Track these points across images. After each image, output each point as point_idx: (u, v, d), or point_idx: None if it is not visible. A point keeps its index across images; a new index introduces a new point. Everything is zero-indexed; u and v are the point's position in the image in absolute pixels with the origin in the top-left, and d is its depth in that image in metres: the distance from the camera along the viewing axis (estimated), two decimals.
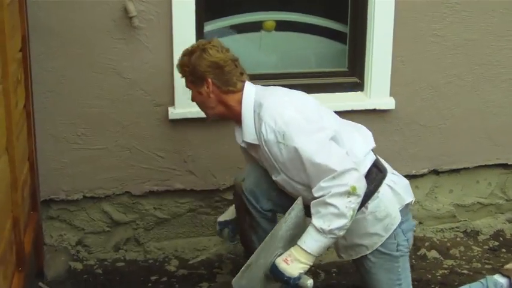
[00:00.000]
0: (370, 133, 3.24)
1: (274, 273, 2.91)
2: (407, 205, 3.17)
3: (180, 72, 3.19)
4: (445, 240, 4.25)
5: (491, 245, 4.20)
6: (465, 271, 3.90)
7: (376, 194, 3.07)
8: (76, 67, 3.62)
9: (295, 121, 2.97)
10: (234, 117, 3.17)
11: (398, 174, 3.25)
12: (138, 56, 3.67)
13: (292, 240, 2.97)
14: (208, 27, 3.86)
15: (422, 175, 4.19)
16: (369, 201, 3.05)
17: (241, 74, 3.14)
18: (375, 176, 3.09)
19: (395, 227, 3.11)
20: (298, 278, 2.89)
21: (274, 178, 3.14)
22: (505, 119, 4.22)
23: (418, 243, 4.10)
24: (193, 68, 3.10)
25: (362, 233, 3.11)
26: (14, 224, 2.79)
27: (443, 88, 4.08)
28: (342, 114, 3.31)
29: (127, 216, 3.93)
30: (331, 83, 3.99)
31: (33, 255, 3.40)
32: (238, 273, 2.80)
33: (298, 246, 2.91)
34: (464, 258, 4.06)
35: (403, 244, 3.16)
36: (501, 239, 4.28)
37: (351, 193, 2.85)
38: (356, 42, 3.98)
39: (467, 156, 4.24)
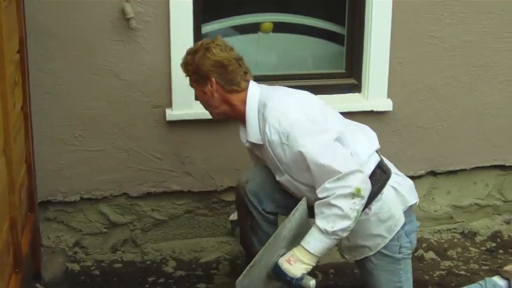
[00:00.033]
0: (374, 134, 3.23)
1: (277, 273, 2.89)
2: (411, 206, 3.17)
3: (184, 71, 3.17)
4: (443, 241, 4.25)
5: (488, 246, 4.20)
6: (462, 272, 3.90)
7: (379, 196, 3.06)
8: (73, 69, 3.62)
9: (300, 122, 2.96)
10: (238, 117, 3.15)
11: (403, 175, 3.24)
12: (135, 57, 3.66)
13: (295, 240, 2.95)
14: (206, 28, 3.86)
15: (419, 176, 4.18)
16: (373, 203, 3.04)
17: (245, 73, 3.12)
18: (378, 178, 3.07)
19: (398, 229, 3.11)
20: (301, 278, 2.87)
21: (278, 178, 3.12)
22: (503, 120, 4.22)
23: None
24: (197, 67, 3.09)
25: (365, 234, 3.10)
26: (11, 225, 2.79)
27: (440, 89, 4.08)
28: None
29: (124, 218, 3.93)
30: (328, 84, 3.99)
31: (30, 256, 3.40)
32: (242, 274, 2.76)
33: (302, 246, 2.89)
34: (461, 259, 4.06)
35: (405, 246, 3.16)
36: (498, 240, 4.28)
37: (355, 195, 2.83)
38: (353, 44, 3.97)
39: (465, 157, 4.24)
